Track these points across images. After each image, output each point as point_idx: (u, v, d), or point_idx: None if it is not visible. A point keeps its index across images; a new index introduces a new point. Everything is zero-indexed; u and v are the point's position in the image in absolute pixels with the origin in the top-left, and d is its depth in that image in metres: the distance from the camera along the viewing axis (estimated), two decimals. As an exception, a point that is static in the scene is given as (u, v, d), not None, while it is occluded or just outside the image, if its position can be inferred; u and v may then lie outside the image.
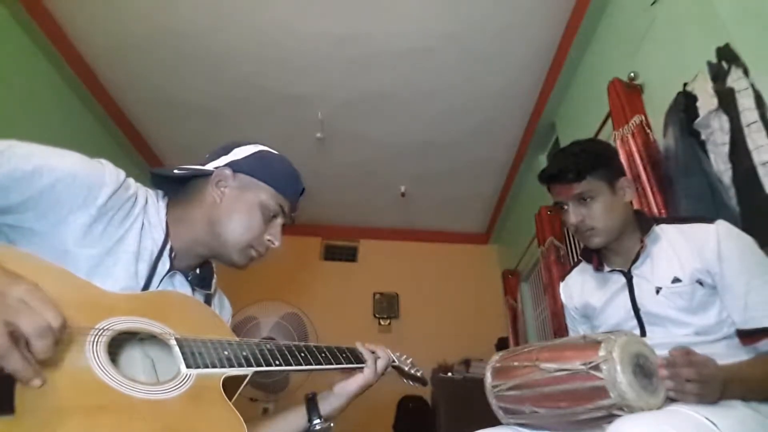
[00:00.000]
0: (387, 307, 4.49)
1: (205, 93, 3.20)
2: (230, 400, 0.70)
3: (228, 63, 2.95)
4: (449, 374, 3.47)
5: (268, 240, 0.94)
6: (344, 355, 0.96)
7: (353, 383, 0.96)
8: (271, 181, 0.94)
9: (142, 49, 2.86)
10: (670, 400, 0.80)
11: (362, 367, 0.97)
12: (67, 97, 3.00)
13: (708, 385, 0.80)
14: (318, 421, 0.93)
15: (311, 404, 0.95)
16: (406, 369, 1.09)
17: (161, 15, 2.66)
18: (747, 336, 0.98)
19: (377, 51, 2.86)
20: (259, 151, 0.98)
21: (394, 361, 1.06)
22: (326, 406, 0.95)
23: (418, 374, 1.12)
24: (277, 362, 0.82)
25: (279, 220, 0.96)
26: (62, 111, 2.98)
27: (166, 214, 0.89)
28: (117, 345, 0.70)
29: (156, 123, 3.50)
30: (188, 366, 0.70)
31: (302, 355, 0.88)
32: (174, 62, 2.96)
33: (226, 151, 0.97)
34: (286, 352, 0.86)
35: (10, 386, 0.52)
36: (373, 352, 1.01)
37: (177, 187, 0.95)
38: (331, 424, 0.95)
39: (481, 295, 4.50)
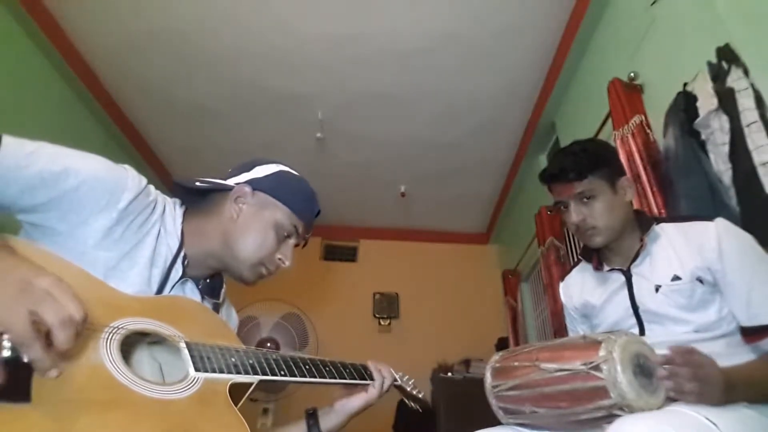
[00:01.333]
0: (387, 307, 4.48)
1: (206, 93, 3.19)
2: (235, 406, 0.71)
3: (228, 63, 2.95)
4: (449, 374, 3.47)
5: (279, 259, 0.96)
6: (348, 370, 0.96)
7: (355, 402, 0.97)
8: (289, 201, 0.96)
9: (142, 49, 2.86)
10: (671, 400, 0.80)
11: (365, 384, 0.98)
12: (67, 97, 2.99)
13: (706, 385, 0.79)
14: None
15: (312, 420, 0.96)
16: (408, 389, 1.10)
17: (161, 15, 2.66)
18: (750, 334, 0.97)
19: (377, 51, 2.86)
20: (280, 171, 1.00)
21: (396, 381, 1.06)
22: (327, 422, 0.96)
23: (420, 395, 1.12)
24: (282, 372, 0.84)
25: (292, 241, 0.98)
26: (62, 111, 2.98)
27: (183, 222, 0.91)
28: (128, 345, 0.71)
29: (156, 123, 3.50)
30: (197, 369, 0.71)
31: (307, 367, 0.89)
32: (174, 62, 2.96)
33: (248, 168, 0.99)
34: (291, 364, 0.87)
35: (28, 375, 0.53)
36: (380, 371, 1.01)
37: (196, 198, 0.96)
38: None
39: (481, 295, 4.50)
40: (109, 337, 0.65)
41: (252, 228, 0.92)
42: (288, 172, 1.01)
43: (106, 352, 0.63)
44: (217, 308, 0.98)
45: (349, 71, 3.00)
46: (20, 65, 2.64)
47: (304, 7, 2.60)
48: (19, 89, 2.62)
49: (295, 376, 0.85)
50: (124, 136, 3.48)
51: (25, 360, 0.52)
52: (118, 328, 0.67)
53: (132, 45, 2.84)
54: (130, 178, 0.80)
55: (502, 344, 3.70)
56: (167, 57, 2.92)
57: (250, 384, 0.77)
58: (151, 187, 0.86)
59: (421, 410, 1.14)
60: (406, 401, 1.12)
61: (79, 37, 2.79)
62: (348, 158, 3.82)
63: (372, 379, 0.99)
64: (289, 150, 3.56)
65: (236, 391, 0.74)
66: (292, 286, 4.18)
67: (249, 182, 0.96)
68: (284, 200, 0.95)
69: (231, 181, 0.97)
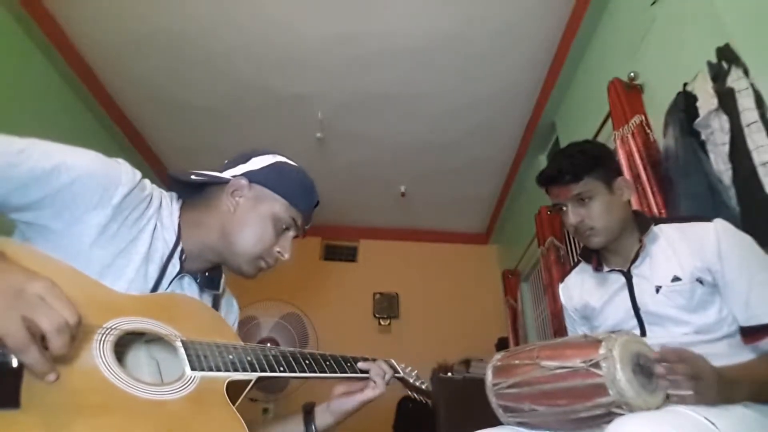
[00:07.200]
0: (387, 307, 4.48)
1: (205, 93, 3.20)
2: (233, 404, 0.70)
3: (228, 63, 2.95)
4: (449, 374, 3.46)
5: (278, 252, 0.94)
6: (348, 364, 0.96)
7: (352, 402, 0.96)
8: (286, 193, 0.94)
9: (142, 49, 2.86)
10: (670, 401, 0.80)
11: (366, 378, 0.97)
12: (67, 97, 2.99)
13: (703, 381, 0.80)
14: None
15: (309, 417, 0.96)
16: (411, 381, 1.08)
17: (161, 15, 2.66)
18: (749, 334, 0.98)
19: (377, 51, 2.86)
20: (277, 162, 0.98)
21: (398, 372, 1.04)
22: (322, 420, 0.97)
23: (423, 386, 1.09)
24: (282, 368, 0.82)
25: (290, 233, 0.96)
26: (62, 111, 2.98)
27: (180, 216, 0.89)
28: (123, 345, 0.70)
29: (156, 123, 3.50)
30: (193, 368, 0.70)
31: (306, 362, 0.88)
32: (174, 62, 2.96)
33: (244, 159, 0.98)
34: (291, 359, 0.86)
35: (17, 380, 0.52)
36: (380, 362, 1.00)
37: (192, 191, 0.95)
38: None
39: (481, 295, 4.50)
40: (102, 338, 0.64)
41: (250, 222, 0.91)
42: (285, 162, 0.99)
43: (99, 354, 0.62)
44: (217, 299, 0.97)
45: (349, 71, 3.00)
46: (20, 65, 2.64)
47: (304, 7, 2.61)
48: (19, 89, 2.62)
49: (294, 371, 0.84)
50: (124, 136, 3.48)
51: (14, 365, 0.51)
52: (112, 329, 0.66)
53: (132, 45, 2.84)
54: (124, 173, 0.78)
55: (502, 344, 3.70)
56: (167, 57, 2.92)
57: (249, 381, 0.76)
58: (146, 181, 0.85)
59: (428, 402, 1.11)
60: (410, 393, 1.09)
61: (79, 37, 2.79)
62: (348, 158, 3.82)
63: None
64: (289, 150, 3.44)
65: (235, 388, 0.73)
66: (292, 286, 4.19)
67: (245, 174, 0.94)
68: (282, 192, 0.94)
69: (227, 174, 0.95)
